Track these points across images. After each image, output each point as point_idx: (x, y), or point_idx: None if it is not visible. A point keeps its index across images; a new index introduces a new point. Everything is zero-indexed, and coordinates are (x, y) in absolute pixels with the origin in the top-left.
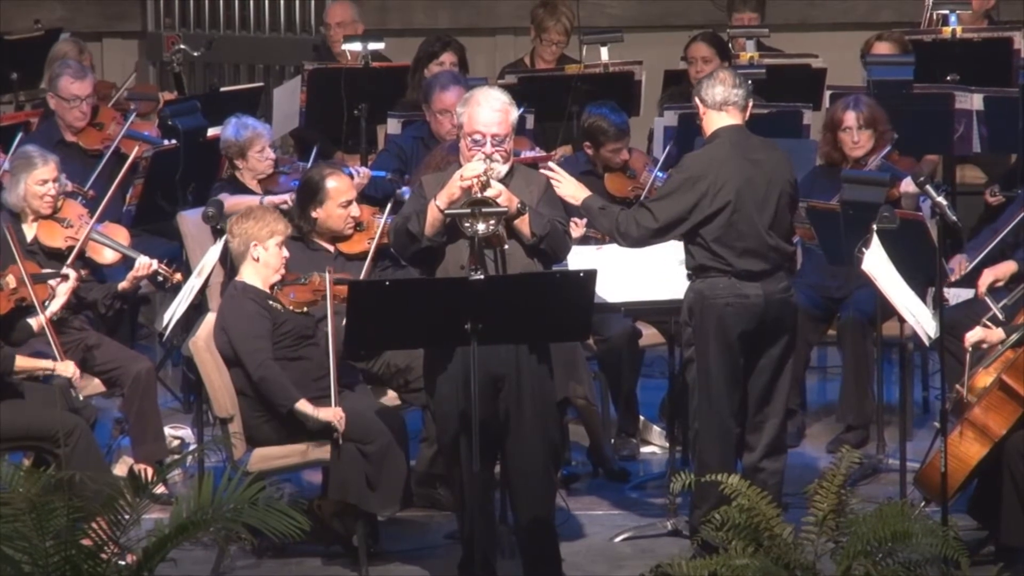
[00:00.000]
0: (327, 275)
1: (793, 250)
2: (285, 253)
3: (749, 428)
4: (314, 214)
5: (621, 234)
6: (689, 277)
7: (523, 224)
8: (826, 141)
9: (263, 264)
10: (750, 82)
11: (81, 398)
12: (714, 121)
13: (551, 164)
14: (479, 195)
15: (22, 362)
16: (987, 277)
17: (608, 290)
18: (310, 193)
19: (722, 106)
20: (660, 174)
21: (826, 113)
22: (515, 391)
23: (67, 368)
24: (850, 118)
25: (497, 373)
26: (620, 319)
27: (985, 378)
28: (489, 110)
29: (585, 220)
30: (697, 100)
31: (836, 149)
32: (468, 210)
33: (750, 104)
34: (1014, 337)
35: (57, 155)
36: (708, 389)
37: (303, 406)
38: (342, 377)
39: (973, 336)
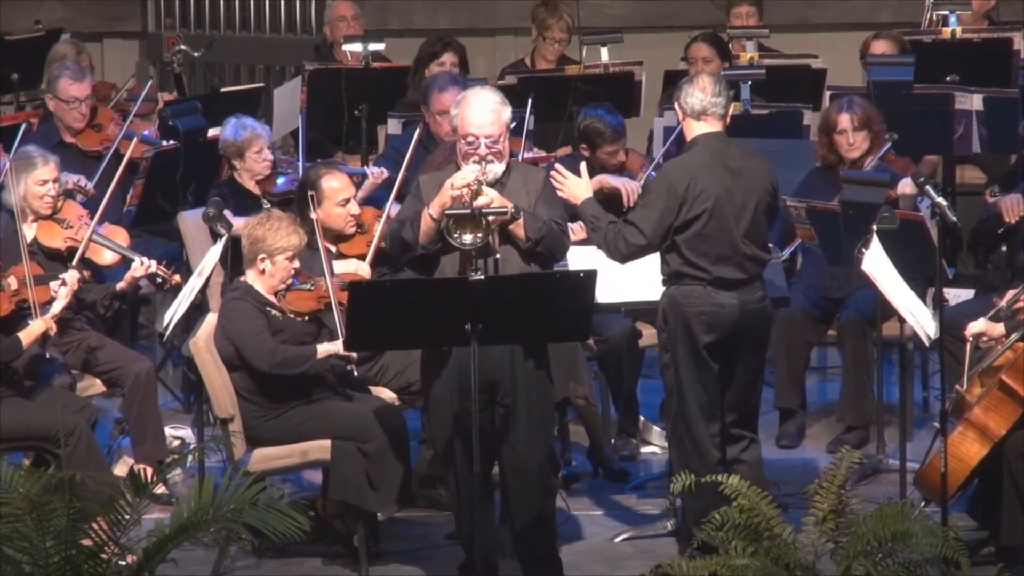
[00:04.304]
0: (331, 281)
1: (769, 258)
2: (296, 264)
3: (725, 435)
4: (312, 214)
5: (610, 250)
6: (664, 283)
7: (518, 228)
8: (822, 144)
9: (268, 275)
10: (732, 91)
11: (48, 356)
12: (693, 128)
13: (557, 166)
14: (469, 204)
15: (25, 338)
16: (1010, 294)
17: (608, 290)
18: (307, 193)
19: (700, 115)
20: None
21: (820, 116)
22: (511, 395)
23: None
24: (844, 120)
25: (492, 378)
26: (620, 319)
27: (985, 378)
28: (481, 111)
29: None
30: (676, 106)
31: (832, 151)
32: (467, 212)
33: (731, 110)
34: (1014, 337)
35: (56, 156)
36: (681, 393)
37: (322, 352)
38: (339, 385)
39: (975, 327)
